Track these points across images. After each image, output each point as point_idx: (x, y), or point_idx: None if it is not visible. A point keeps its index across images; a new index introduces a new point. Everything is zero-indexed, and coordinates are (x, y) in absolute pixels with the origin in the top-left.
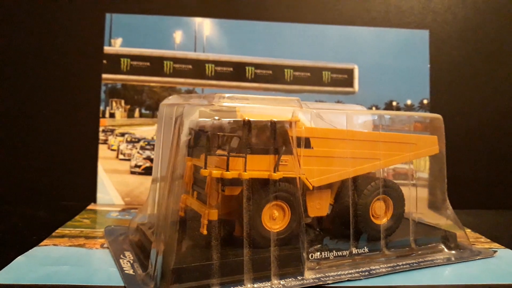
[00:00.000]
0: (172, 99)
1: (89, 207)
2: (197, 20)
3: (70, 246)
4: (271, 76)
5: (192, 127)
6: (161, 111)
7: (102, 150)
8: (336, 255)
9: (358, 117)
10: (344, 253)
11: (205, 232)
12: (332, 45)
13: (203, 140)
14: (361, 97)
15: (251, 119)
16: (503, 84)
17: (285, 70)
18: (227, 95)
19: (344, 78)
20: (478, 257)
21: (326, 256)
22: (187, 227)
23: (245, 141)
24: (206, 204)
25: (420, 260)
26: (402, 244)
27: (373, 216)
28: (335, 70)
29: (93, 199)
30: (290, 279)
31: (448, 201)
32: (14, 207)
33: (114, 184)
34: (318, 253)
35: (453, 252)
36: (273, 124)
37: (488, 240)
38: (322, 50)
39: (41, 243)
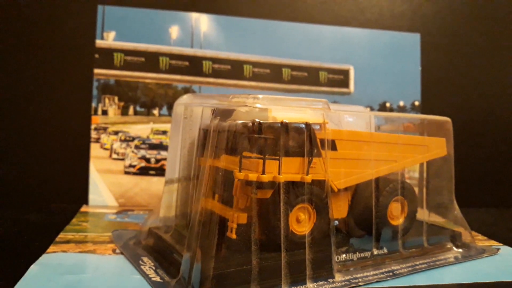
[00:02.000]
0: (186, 98)
1: (82, 209)
2: (194, 15)
3: (80, 252)
4: (269, 75)
5: (203, 127)
6: (177, 110)
7: (94, 149)
8: (359, 256)
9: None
10: (366, 254)
11: (234, 236)
12: (328, 45)
13: (219, 141)
14: (356, 97)
15: (287, 121)
16: (491, 86)
17: (283, 69)
18: (260, 96)
19: (340, 79)
20: (484, 255)
21: (351, 257)
22: (221, 231)
23: (281, 143)
24: (231, 207)
25: (435, 259)
26: (416, 244)
27: (389, 217)
28: (331, 71)
29: (85, 201)
30: (323, 282)
31: (455, 202)
32: (1, 210)
33: (107, 185)
34: (344, 255)
35: (461, 250)
36: (308, 126)
37: (485, 237)
38: (318, 50)
39: (48, 250)
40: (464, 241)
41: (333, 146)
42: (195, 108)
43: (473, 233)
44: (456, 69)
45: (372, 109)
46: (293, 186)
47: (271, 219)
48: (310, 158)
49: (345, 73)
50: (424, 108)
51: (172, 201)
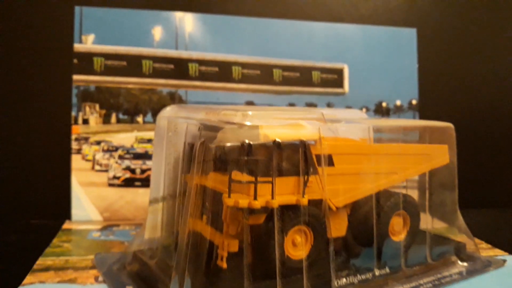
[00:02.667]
0: (169, 111)
1: (65, 225)
2: (178, 14)
3: (59, 282)
4: (259, 76)
5: (189, 141)
6: (160, 124)
7: (76, 160)
8: (361, 279)
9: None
10: (368, 275)
11: (224, 265)
12: (320, 43)
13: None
14: (351, 98)
15: (280, 140)
16: (491, 82)
17: (274, 70)
18: (250, 112)
19: (334, 79)
20: (491, 269)
21: (352, 281)
22: (210, 260)
23: (274, 164)
24: (221, 232)
25: (440, 276)
26: (419, 260)
27: (391, 232)
28: (324, 70)
29: (67, 216)
30: None
31: (459, 211)
32: None
33: (91, 198)
34: (344, 279)
35: (466, 264)
36: (303, 144)
37: (489, 246)
38: (310, 48)
39: (25, 281)
40: (468, 253)
41: (330, 162)
42: (180, 122)
43: (477, 240)
44: (454, 65)
45: (367, 109)
46: (288, 209)
47: (265, 246)
48: (306, 178)
49: (339, 72)
50: (422, 107)
51: (158, 221)
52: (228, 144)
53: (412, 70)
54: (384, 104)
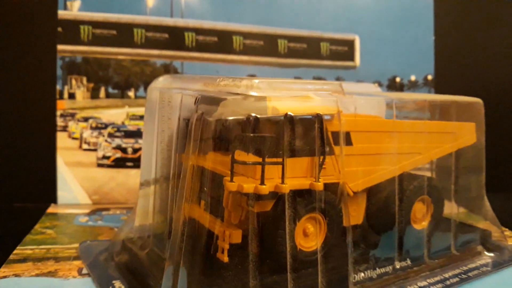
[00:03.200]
0: (162, 81)
1: (50, 209)
2: None
3: (37, 275)
4: (263, 48)
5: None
6: (152, 96)
7: (61, 139)
8: (380, 272)
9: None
10: (388, 269)
11: (225, 259)
12: (330, 12)
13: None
14: (362, 72)
15: (291, 114)
16: None
17: (279, 40)
18: (256, 80)
19: (344, 51)
20: None
21: (370, 275)
22: (208, 252)
23: (285, 142)
24: (222, 221)
25: (466, 269)
26: (443, 251)
27: (412, 220)
28: (334, 41)
29: (53, 199)
30: None
31: (486, 197)
32: None
33: (78, 180)
34: (362, 274)
35: (492, 254)
36: (319, 118)
37: None
38: (319, 18)
39: None
40: (495, 242)
41: (348, 140)
42: (174, 94)
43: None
44: (474, 38)
45: (380, 84)
46: (300, 194)
47: (273, 237)
48: (321, 159)
49: (350, 43)
50: (438, 82)
51: (149, 207)
52: (231, 118)
53: (428, 43)
54: (397, 79)
